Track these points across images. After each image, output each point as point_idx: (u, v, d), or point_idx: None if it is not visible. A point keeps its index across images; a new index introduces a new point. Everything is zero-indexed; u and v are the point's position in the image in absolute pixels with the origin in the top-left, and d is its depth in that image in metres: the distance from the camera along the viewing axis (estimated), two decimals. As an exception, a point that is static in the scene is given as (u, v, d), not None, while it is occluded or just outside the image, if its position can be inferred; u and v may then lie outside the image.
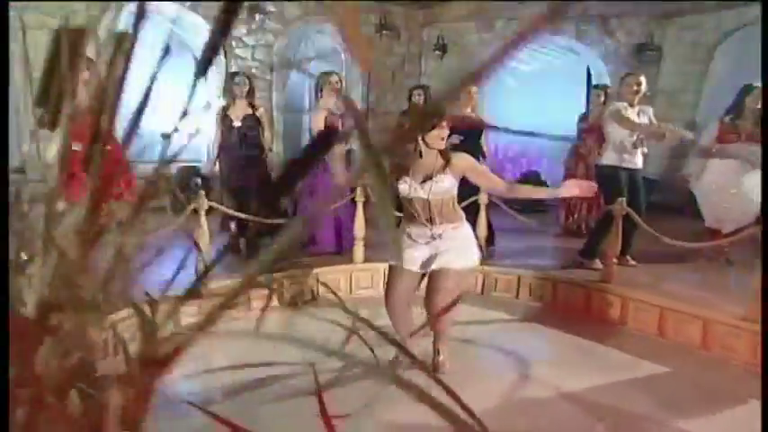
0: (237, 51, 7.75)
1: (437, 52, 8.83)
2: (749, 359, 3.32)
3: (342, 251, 4.95)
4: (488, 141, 5.42)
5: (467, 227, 3.07)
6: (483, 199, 4.67)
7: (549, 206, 7.12)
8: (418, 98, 5.74)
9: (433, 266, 2.99)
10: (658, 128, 4.51)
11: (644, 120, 4.61)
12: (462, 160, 2.96)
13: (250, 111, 4.93)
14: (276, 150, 7.76)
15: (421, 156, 2.89)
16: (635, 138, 4.57)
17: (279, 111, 8.14)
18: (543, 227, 6.35)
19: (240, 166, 4.89)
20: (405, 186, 2.90)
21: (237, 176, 4.90)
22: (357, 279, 4.70)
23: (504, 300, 4.66)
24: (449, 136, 3.21)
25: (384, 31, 8.61)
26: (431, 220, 2.93)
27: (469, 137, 4.91)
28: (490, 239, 5.08)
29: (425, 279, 3.15)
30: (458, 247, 2.98)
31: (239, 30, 7.73)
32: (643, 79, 4.64)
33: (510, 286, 4.72)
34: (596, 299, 4.22)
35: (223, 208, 4.40)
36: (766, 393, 2.30)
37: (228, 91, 4.95)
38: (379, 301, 3.29)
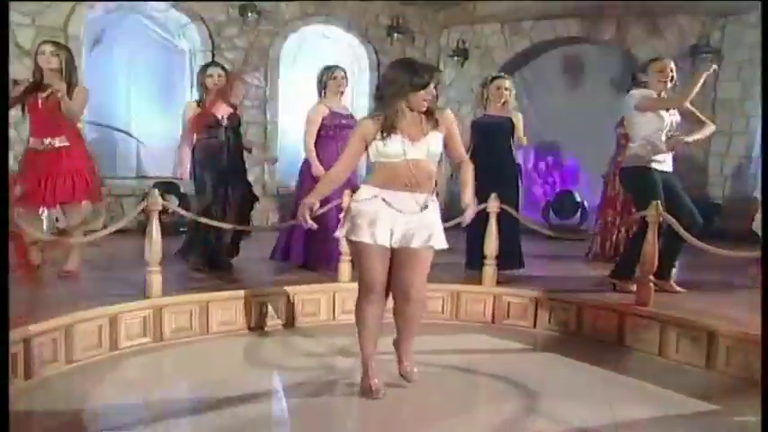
0: (227, 54, 7.82)
1: (457, 58, 8.82)
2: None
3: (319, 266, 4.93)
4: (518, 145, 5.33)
5: (437, 204, 3.03)
6: (493, 207, 4.45)
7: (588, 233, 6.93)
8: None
9: (416, 243, 2.86)
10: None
11: (676, 119, 4.47)
12: (447, 116, 2.99)
13: (230, 109, 4.89)
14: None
15: (396, 120, 2.83)
16: (667, 131, 4.38)
17: (272, 125, 8.16)
18: (575, 252, 6.19)
19: (224, 176, 4.82)
20: (397, 146, 2.80)
21: (220, 189, 4.83)
22: (342, 300, 4.48)
23: (519, 329, 4.44)
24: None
25: (396, 34, 8.66)
26: (416, 185, 2.85)
27: (498, 133, 5.06)
28: (517, 260, 5.02)
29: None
30: (437, 221, 2.96)
31: (230, 30, 7.84)
32: (672, 64, 4.46)
33: (526, 312, 4.48)
34: (629, 324, 3.97)
35: (182, 211, 4.33)
36: (766, 393, 2.33)
37: (202, 84, 4.89)
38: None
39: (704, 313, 3.84)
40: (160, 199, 3.98)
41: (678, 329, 3.73)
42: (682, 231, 3.88)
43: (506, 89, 5.10)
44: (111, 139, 7.66)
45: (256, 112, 8.04)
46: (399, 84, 2.79)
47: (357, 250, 2.97)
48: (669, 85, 4.43)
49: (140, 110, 7.82)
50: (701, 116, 4.54)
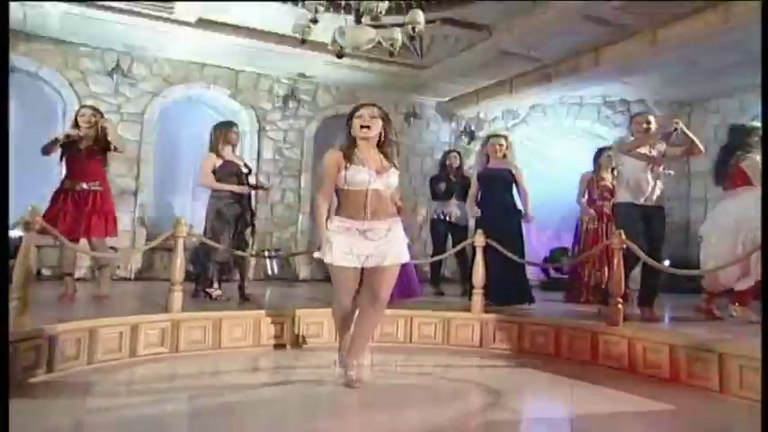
0: (270, 134, 8.11)
1: (464, 138, 8.90)
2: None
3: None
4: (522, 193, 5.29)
5: (400, 225, 3.02)
6: (479, 241, 4.34)
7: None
8: (453, 160, 6.39)
9: (383, 263, 2.89)
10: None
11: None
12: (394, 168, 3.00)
13: (240, 158, 4.98)
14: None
15: (355, 144, 2.91)
16: (650, 172, 4.32)
17: (305, 191, 8.27)
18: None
19: (234, 207, 4.81)
20: (363, 176, 2.83)
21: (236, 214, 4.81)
22: (344, 324, 4.32)
23: (504, 352, 4.18)
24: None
25: (412, 119, 8.85)
26: (374, 213, 2.86)
27: (498, 184, 5.12)
28: (526, 296, 4.91)
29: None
30: (401, 240, 2.96)
31: (274, 115, 8.14)
32: (652, 118, 4.50)
33: (510, 337, 4.22)
34: (601, 343, 3.69)
35: (204, 239, 4.29)
36: (766, 393, 2.14)
37: (222, 138, 4.91)
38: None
39: (670, 332, 3.59)
40: (185, 227, 3.98)
41: (645, 345, 3.44)
42: (641, 254, 3.68)
43: (501, 145, 5.20)
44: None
45: (292, 181, 8.20)
46: (347, 118, 2.96)
47: (333, 272, 2.94)
48: (651, 131, 4.42)
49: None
50: (692, 136, 4.44)
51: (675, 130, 4.35)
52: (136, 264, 7.20)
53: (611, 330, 3.68)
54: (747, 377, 2.87)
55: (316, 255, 3.03)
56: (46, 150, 4.50)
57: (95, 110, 4.74)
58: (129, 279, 7.05)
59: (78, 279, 4.75)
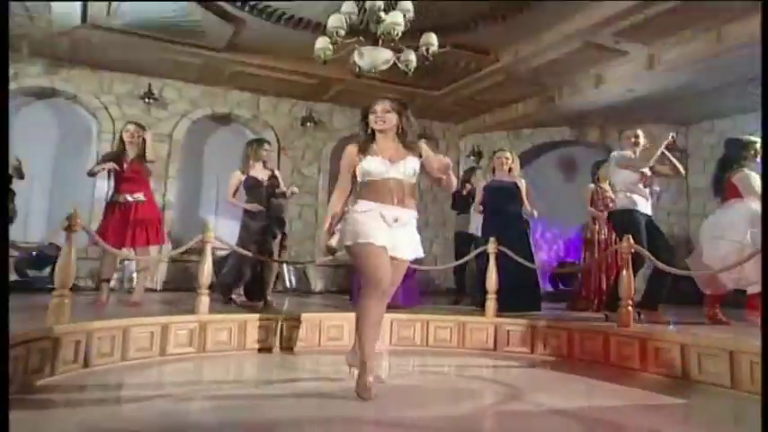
0: (289, 152, 8.18)
1: (472, 158, 8.91)
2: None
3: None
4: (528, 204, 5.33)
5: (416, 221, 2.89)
6: (492, 248, 4.32)
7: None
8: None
9: (402, 255, 2.74)
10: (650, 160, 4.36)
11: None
12: (421, 143, 2.90)
13: (269, 172, 4.99)
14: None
15: (374, 138, 2.80)
16: (642, 184, 4.36)
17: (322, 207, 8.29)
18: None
19: (265, 218, 4.82)
20: (377, 165, 2.71)
21: (263, 226, 4.82)
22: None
23: (518, 354, 4.09)
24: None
25: (424, 140, 8.86)
26: (398, 201, 2.71)
27: (505, 195, 5.13)
28: (536, 303, 4.91)
29: None
30: (416, 237, 2.85)
31: (292, 134, 8.22)
32: (641, 132, 4.57)
33: (524, 339, 4.15)
34: (613, 344, 3.61)
35: (230, 244, 4.29)
36: (766, 393, 2.07)
37: (252, 155, 4.98)
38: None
39: (680, 332, 3.51)
40: (212, 233, 3.99)
41: (656, 345, 3.37)
42: (651, 257, 3.64)
43: (507, 158, 5.28)
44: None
45: (309, 197, 8.23)
46: (362, 113, 2.89)
47: (363, 252, 2.63)
48: (639, 147, 4.49)
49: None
50: (674, 161, 4.54)
51: (674, 141, 4.42)
52: (161, 275, 7.20)
53: (622, 331, 3.61)
54: (757, 373, 2.80)
55: (332, 243, 2.88)
56: (91, 174, 4.72)
57: (138, 125, 4.80)
58: (155, 290, 7.04)
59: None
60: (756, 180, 4.24)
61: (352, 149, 2.80)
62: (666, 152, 4.42)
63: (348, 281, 7.15)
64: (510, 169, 5.26)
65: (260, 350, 3.96)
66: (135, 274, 5.60)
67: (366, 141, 2.81)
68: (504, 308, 4.45)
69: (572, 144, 8.76)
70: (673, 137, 4.41)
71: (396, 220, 2.69)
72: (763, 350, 2.42)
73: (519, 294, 4.71)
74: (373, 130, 2.79)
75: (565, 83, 7.10)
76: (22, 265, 6.33)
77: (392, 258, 2.69)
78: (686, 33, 5.65)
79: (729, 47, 5.60)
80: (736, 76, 6.38)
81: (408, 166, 2.74)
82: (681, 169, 4.56)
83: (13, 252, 5.79)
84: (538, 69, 6.65)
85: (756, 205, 4.12)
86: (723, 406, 2.71)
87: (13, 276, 6.17)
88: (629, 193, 4.38)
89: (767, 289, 2.56)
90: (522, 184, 5.28)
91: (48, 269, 5.97)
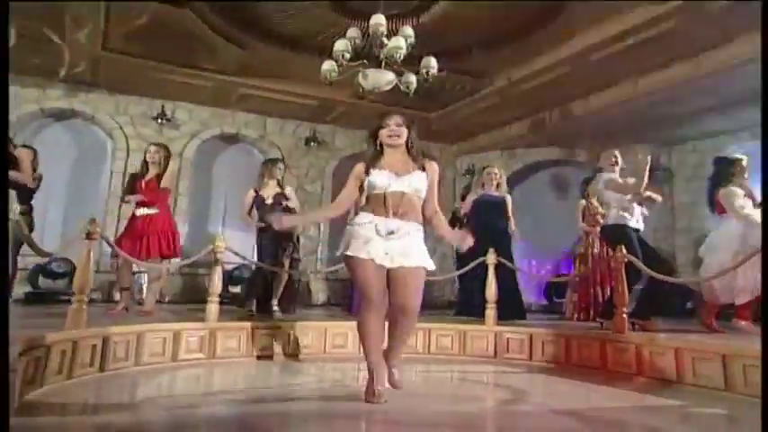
0: (294, 170, 8.17)
1: (468, 176, 8.94)
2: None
3: None
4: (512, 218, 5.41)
5: (422, 234, 2.73)
6: (491, 259, 4.31)
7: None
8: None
9: (408, 263, 2.56)
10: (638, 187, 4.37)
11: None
12: (433, 163, 2.76)
13: (279, 190, 5.01)
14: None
15: (382, 152, 2.70)
16: (630, 197, 4.38)
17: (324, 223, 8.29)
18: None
19: (272, 233, 4.81)
20: (383, 179, 2.61)
21: (271, 240, 4.84)
22: (368, 336, 4.24)
23: (517, 361, 4.04)
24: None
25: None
26: (400, 214, 2.59)
27: (494, 209, 5.23)
28: (520, 312, 4.93)
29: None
30: (422, 247, 2.66)
31: (297, 153, 8.25)
32: (618, 153, 4.66)
33: (523, 347, 4.11)
34: (610, 350, 3.58)
35: (240, 254, 4.28)
36: (766, 392, 2.01)
37: (267, 173, 5.03)
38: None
39: (674, 338, 3.48)
40: (223, 243, 3.97)
41: (651, 350, 3.35)
42: (642, 267, 3.64)
43: (495, 173, 5.37)
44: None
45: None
46: (373, 128, 2.75)
47: (354, 265, 2.59)
48: (617, 168, 4.60)
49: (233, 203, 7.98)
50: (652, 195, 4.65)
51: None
52: (170, 288, 7.14)
53: (618, 337, 3.60)
54: (750, 376, 2.79)
55: (339, 252, 2.77)
56: (126, 202, 4.90)
57: (160, 146, 4.84)
58: (163, 302, 6.97)
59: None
60: (737, 197, 4.27)
61: (360, 167, 2.71)
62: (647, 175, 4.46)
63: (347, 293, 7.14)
64: (498, 185, 5.30)
65: (268, 357, 3.90)
66: (145, 285, 5.56)
67: (374, 157, 2.72)
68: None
69: (562, 164, 8.79)
70: (649, 157, 4.48)
71: (392, 232, 2.58)
72: (763, 351, 2.39)
73: (506, 304, 4.64)
74: (381, 145, 2.70)
75: (554, 105, 7.18)
76: (34, 277, 6.29)
77: (398, 269, 2.56)
78: (667, 60, 5.74)
79: (707, 73, 5.70)
80: (714, 100, 6.49)
81: (414, 180, 2.64)
82: (658, 198, 4.69)
83: (28, 261, 5.77)
84: (529, 93, 6.72)
85: (738, 222, 4.17)
86: (717, 408, 2.68)
87: (26, 288, 6.11)
88: (620, 210, 4.40)
89: (767, 289, 2.50)
90: (509, 199, 5.34)
91: (61, 281, 5.93)
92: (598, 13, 5.04)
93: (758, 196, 4.36)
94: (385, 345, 2.75)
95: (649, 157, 4.51)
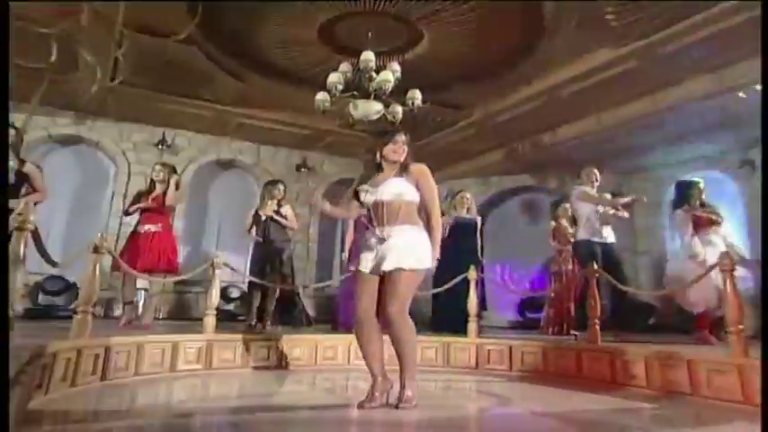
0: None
1: (449, 198, 9.00)
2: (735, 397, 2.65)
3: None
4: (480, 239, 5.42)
5: (423, 233, 2.56)
6: (472, 275, 4.34)
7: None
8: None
9: (384, 267, 2.44)
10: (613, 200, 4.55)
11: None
12: (417, 167, 2.65)
13: (276, 208, 5.00)
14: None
15: (381, 168, 2.64)
16: (602, 212, 4.50)
17: (312, 241, 8.26)
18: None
19: (265, 248, 4.82)
20: (368, 196, 2.56)
21: (263, 255, 4.82)
22: (355, 350, 4.13)
23: (498, 371, 4.02)
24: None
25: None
26: (383, 222, 2.53)
27: (466, 230, 5.22)
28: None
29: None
30: (408, 246, 2.47)
31: (288, 179, 8.23)
32: (596, 171, 4.78)
33: (503, 358, 4.09)
34: (584, 359, 3.59)
35: (235, 270, 4.23)
36: (766, 392, 1.98)
37: (267, 194, 5.04)
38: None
39: (644, 347, 3.50)
40: (221, 260, 3.93)
41: (623, 358, 3.37)
42: (609, 277, 3.70)
43: (467, 198, 5.49)
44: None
45: (301, 235, 8.16)
46: (378, 144, 2.65)
47: (355, 277, 2.59)
48: (596, 184, 4.70)
49: (227, 225, 7.96)
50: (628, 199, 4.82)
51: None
52: (165, 305, 6.99)
53: (592, 347, 3.61)
54: (713, 380, 2.83)
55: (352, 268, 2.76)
56: (127, 213, 4.81)
57: (165, 165, 4.82)
58: (159, 318, 6.80)
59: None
60: (682, 220, 4.47)
61: (355, 185, 2.66)
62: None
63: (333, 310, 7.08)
64: (468, 208, 5.40)
65: (262, 368, 3.83)
66: (141, 300, 5.42)
67: (366, 176, 2.64)
68: (456, 329, 4.42)
69: (533, 190, 8.92)
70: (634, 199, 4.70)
71: (383, 240, 2.50)
72: (763, 352, 2.36)
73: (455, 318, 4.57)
74: (380, 161, 2.63)
75: (526, 136, 7.35)
76: (34, 294, 6.10)
77: (385, 275, 2.47)
78: (627, 97, 5.96)
79: (662, 109, 5.93)
80: (666, 134, 6.73)
81: (390, 186, 2.54)
82: (625, 215, 4.79)
83: (29, 279, 5.60)
84: (504, 124, 6.89)
85: (687, 239, 4.34)
86: (684, 409, 2.71)
87: (26, 304, 5.92)
88: (588, 227, 4.51)
89: (767, 289, 2.44)
90: (479, 221, 5.44)
91: (57, 297, 5.78)
92: (566, 55, 5.24)
93: (721, 213, 4.54)
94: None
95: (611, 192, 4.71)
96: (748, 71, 5.01)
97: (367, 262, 2.52)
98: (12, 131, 2.95)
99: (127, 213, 4.75)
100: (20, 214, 1.92)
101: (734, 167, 7.03)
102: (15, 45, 1.33)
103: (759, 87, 5.11)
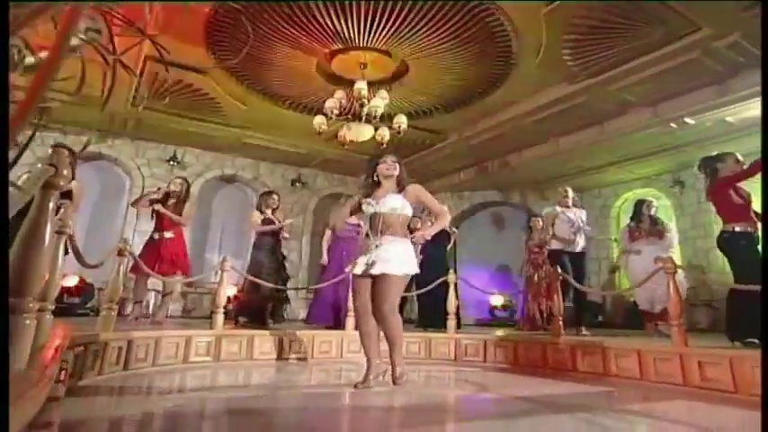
0: (282, 206, 8.11)
1: (426, 211, 9.08)
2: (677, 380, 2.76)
3: (338, 326, 4.52)
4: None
5: (409, 245, 2.72)
6: (451, 278, 4.41)
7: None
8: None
9: (374, 271, 2.58)
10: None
11: (578, 218, 4.76)
12: (413, 187, 2.82)
13: (271, 216, 5.01)
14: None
15: (379, 184, 2.79)
16: (573, 227, 4.66)
17: (305, 248, 8.23)
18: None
19: (266, 250, 4.80)
20: (369, 207, 2.72)
21: (262, 256, 4.80)
22: (348, 344, 4.19)
23: (474, 363, 4.09)
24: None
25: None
26: (378, 231, 2.66)
27: (442, 239, 5.23)
28: (458, 323, 4.87)
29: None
30: (398, 256, 2.61)
31: (284, 191, 8.21)
32: (569, 189, 5.02)
33: (479, 351, 4.16)
34: (550, 351, 3.68)
35: (239, 271, 4.21)
36: (766, 392, 1.89)
37: (263, 203, 5.04)
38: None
39: (597, 341, 3.61)
40: (229, 263, 3.92)
41: (581, 350, 3.48)
42: (574, 282, 3.81)
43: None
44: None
45: (295, 243, 8.15)
46: (372, 165, 2.83)
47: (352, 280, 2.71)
48: (569, 200, 4.89)
49: (227, 233, 7.89)
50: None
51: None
52: (175, 305, 6.85)
53: (556, 341, 3.70)
54: (660, 367, 2.95)
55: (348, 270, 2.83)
56: (134, 203, 4.78)
57: (184, 180, 4.80)
58: (168, 316, 6.67)
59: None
60: (622, 236, 4.81)
61: (358, 198, 2.82)
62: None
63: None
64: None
65: (265, 360, 3.81)
66: (152, 302, 5.34)
67: (366, 193, 2.78)
68: (432, 325, 4.51)
69: (500, 204, 9.10)
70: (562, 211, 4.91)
71: (377, 246, 2.62)
72: (763, 351, 2.31)
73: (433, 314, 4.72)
74: (377, 179, 2.79)
75: (495, 157, 7.52)
76: (60, 293, 5.93)
77: (375, 277, 2.60)
78: (580, 125, 6.18)
79: (610, 136, 6.17)
80: (614, 157, 7.00)
81: (388, 201, 2.68)
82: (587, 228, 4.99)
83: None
84: (476, 146, 7.03)
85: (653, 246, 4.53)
86: (635, 391, 2.81)
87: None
88: (558, 239, 4.70)
89: (767, 289, 2.53)
90: (456, 232, 5.51)
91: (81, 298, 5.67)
92: (529, 88, 5.41)
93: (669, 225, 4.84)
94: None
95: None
96: (679, 106, 5.29)
97: (360, 266, 2.64)
98: (68, 152, 2.91)
99: (132, 204, 4.69)
100: (60, 219, 1.91)
101: (667, 186, 7.39)
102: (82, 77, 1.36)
103: (689, 120, 5.40)
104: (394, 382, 2.60)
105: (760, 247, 3.12)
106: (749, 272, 2.83)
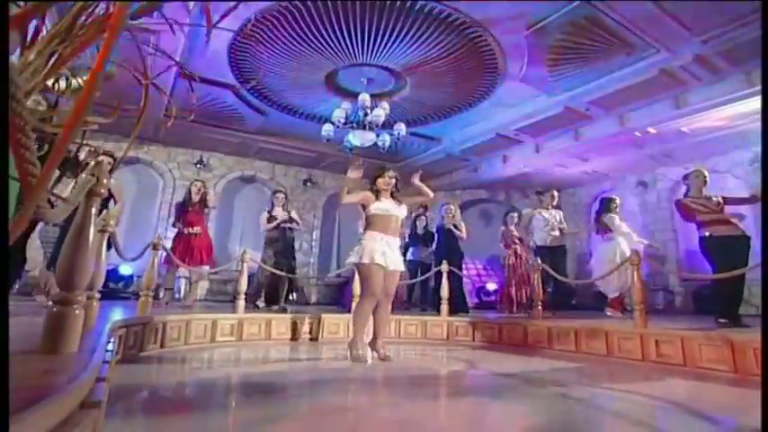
0: (295, 203, 8.12)
1: (421, 209, 9.09)
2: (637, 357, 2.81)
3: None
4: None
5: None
6: (444, 268, 4.44)
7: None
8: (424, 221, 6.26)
9: (392, 266, 2.83)
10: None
11: (555, 218, 4.75)
12: (402, 198, 3.05)
13: (286, 214, 5.03)
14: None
15: (378, 194, 2.89)
16: (549, 227, 4.72)
17: (315, 241, 8.26)
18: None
19: (277, 244, 4.83)
20: (388, 205, 2.87)
21: (275, 250, 4.82)
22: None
23: (464, 342, 4.13)
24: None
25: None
26: (388, 230, 2.84)
27: (451, 234, 5.31)
28: (465, 308, 4.93)
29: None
30: (399, 255, 2.93)
31: (297, 190, 8.25)
32: (556, 193, 5.14)
33: (467, 332, 4.20)
34: (530, 332, 3.73)
35: (260, 262, 4.24)
36: (766, 392, 1.74)
37: (275, 200, 5.08)
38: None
39: (572, 321, 3.65)
40: (248, 255, 3.95)
41: (557, 330, 3.52)
42: (552, 272, 3.83)
43: (452, 208, 5.55)
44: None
45: (307, 235, 8.19)
46: (374, 177, 2.97)
47: (367, 269, 2.74)
48: (555, 201, 4.99)
49: (247, 227, 7.88)
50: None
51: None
52: (202, 290, 6.90)
53: (535, 323, 3.75)
54: (622, 345, 3.00)
55: (352, 260, 2.85)
56: (174, 225, 4.83)
57: (203, 182, 4.88)
58: (198, 300, 6.73)
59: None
60: (615, 220, 4.66)
61: (369, 193, 2.90)
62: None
63: (339, 294, 7.10)
64: (453, 216, 5.47)
65: (281, 339, 3.87)
66: (184, 286, 5.39)
67: (376, 193, 2.92)
68: (457, 310, 4.59)
69: (487, 202, 9.11)
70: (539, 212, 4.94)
71: (390, 244, 2.79)
72: (763, 349, 2.21)
73: (455, 302, 4.71)
74: (377, 189, 2.91)
75: (483, 160, 7.53)
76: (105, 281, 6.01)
77: (389, 271, 2.80)
78: (557, 132, 6.18)
79: (582, 142, 6.16)
80: (587, 167, 6.99)
81: (403, 210, 2.93)
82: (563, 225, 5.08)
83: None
84: (466, 150, 7.05)
85: (620, 238, 4.54)
86: (602, 368, 2.85)
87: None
88: (538, 236, 4.82)
89: (767, 288, 2.31)
90: (462, 225, 5.50)
91: (121, 283, 5.77)
92: (513, 99, 5.41)
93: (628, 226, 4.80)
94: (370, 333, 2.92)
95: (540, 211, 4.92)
96: (643, 116, 5.29)
97: (384, 260, 2.76)
98: (109, 159, 2.94)
99: (174, 225, 4.78)
100: (103, 220, 1.95)
101: (632, 186, 7.40)
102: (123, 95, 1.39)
103: (651, 130, 5.39)
104: (386, 358, 2.80)
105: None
106: (723, 264, 2.86)
